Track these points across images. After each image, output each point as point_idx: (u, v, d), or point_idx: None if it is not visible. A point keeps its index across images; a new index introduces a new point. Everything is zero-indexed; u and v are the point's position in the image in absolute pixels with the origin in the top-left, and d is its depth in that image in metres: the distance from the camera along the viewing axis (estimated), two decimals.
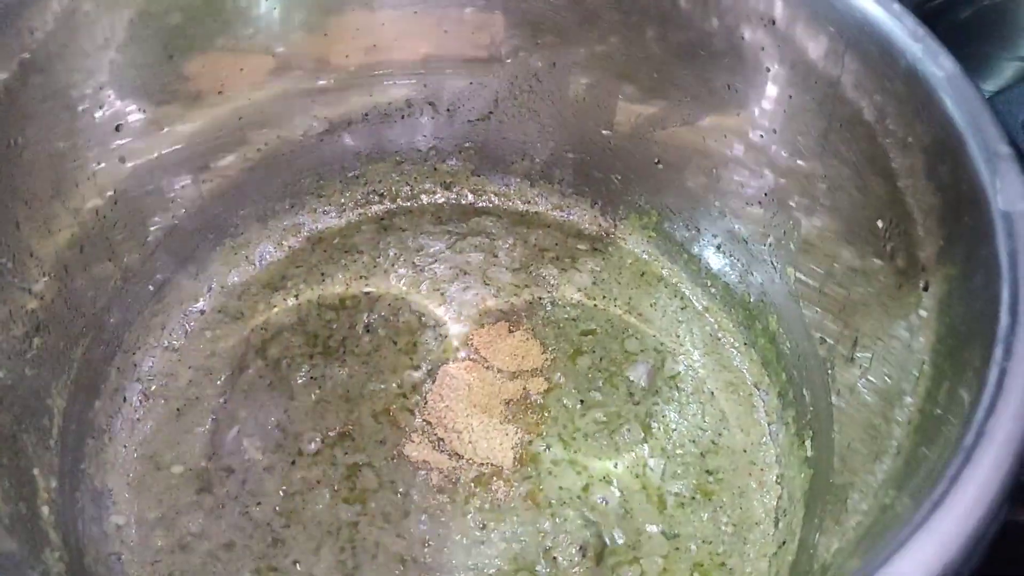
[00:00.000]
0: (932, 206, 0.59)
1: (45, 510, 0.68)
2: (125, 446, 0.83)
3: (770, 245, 0.86)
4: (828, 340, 0.77)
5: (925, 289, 0.60)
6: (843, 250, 0.72)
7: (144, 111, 0.81)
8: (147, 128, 0.82)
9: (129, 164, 0.82)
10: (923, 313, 0.60)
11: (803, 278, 0.81)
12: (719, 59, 0.79)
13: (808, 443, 0.81)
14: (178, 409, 0.86)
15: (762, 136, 0.81)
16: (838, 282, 0.75)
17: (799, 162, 0.77)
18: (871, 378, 0.67)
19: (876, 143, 0.65)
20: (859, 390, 0.69)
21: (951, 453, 0.44)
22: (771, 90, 0.77)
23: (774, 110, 0.78)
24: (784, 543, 0.77)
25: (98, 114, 0.77)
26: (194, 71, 0.83)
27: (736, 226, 0.90)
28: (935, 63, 0.59)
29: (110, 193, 0.81)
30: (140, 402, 0.86)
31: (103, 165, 0.79)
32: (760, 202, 0.85)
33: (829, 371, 0.76)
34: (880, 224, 0.66)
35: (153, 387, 0.87)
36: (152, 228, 0.87)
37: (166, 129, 0.84)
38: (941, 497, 0.43)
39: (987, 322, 0.50)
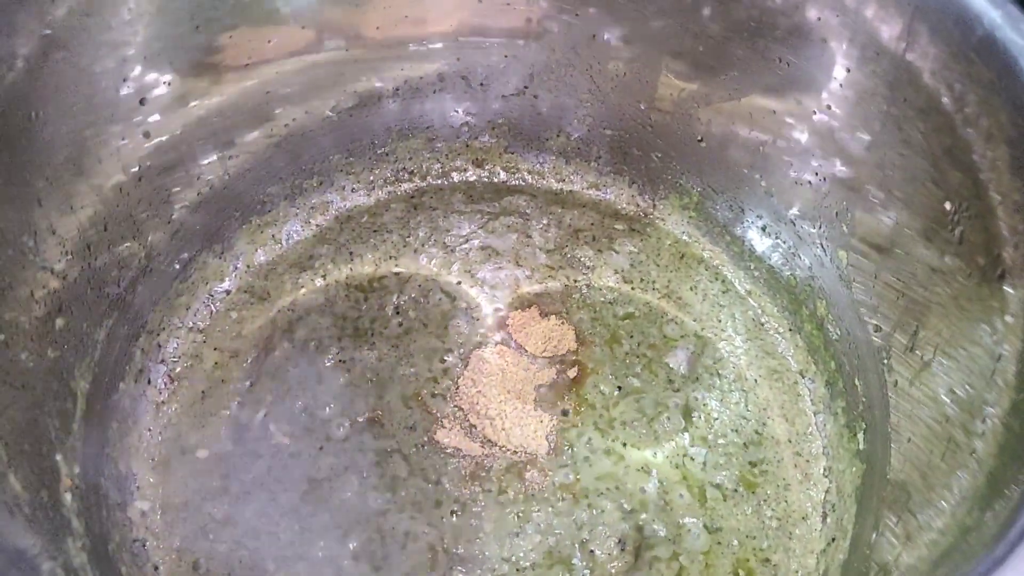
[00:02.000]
0: (1018, 203, 0.55)
1: (68, 497, 0.66)
2: (149, 430, 0.81)
3: (821, 227, 0.82)
4: (884, 328, 0.73)
5: (1001, 278, 0.55)
6: (911, 242, 0.68)
7: (169, 85, 0.78)
8: (172, 103, 0.79)
9: (153, 140, 0.79)
10: (1008, 319, 0.56)
11: (858, 262, 0.77)
12: (775, 33, 0.75)
13: (860, 436, 0.77)
14: (203, 392, 0.83)
15: (816, 113, 0.77)
16: (902, 273, 0.70)
17: (860, 144, 0.73)
18: (944, 383, 0.63)
19: (953, 131, 0.60)
20: (927, 391, 0.65)
21: None
22: (828, 65, 0.73)
23: (832, 87, 0.74)
24: (834, 540, 0.74)
25: (122, 89, 0.74)
26: (221, 44, 0.81)
27: (783, 207, 0.86)
28: (1016, 30, 0.55)
29: (134, 169, 0.78)
30: (165, 384, 0.84)
31: (127, 141, 0.77)
32: (811, 182, 0.81)
33: (885, 361, 0.73)
34: (948, 206, 0.61)
35: (178, 369, 0.85)
36: (177, 205, 0.85)
37: (191, 104, 0.81)
38: None
39: None
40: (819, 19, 0.71)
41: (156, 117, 0.78)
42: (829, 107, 0.75)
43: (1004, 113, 0.56)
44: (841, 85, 0.73)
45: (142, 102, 0.76)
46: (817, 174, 0.80)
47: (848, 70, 0.72)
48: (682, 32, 0.82)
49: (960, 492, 0.55)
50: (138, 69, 0.74)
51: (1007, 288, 0.56)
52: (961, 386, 0.61)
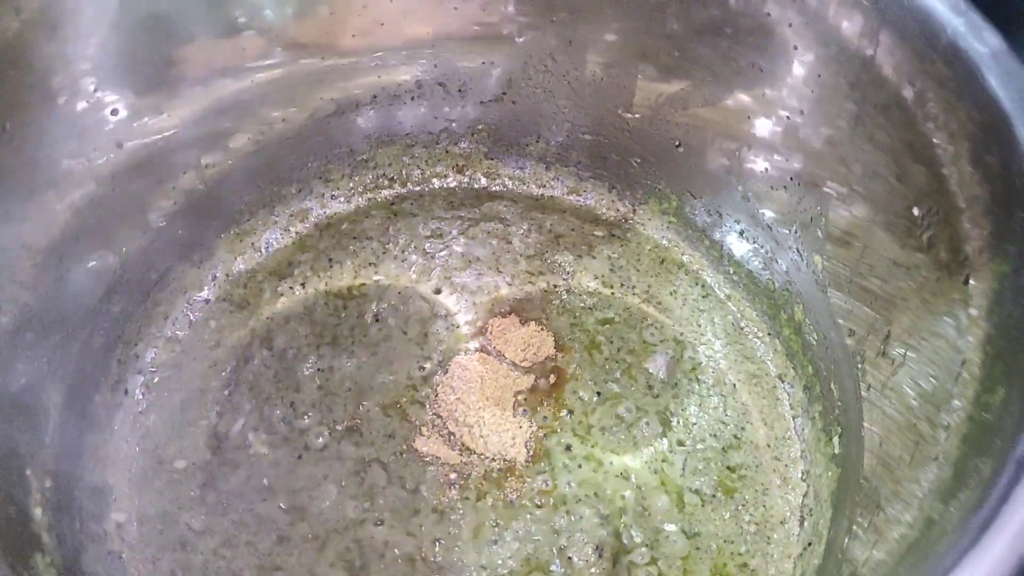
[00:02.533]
0: (978, 197, 0.55)
1: (38, 512, 0.65)
2: (127, 441, 0.81)
3: (796, 231, 0.82)
4: (858, 332, 0.73)
5: (965, 283, 0.56)
6: (877, 239, 0.68)
7: (143, 95, 0.78)
8: (146, 112, 0.79)
9: (127, 150, 0.79)
10: (972, 312, 0.56)
11: (831, 266, 0.77)
12: (744, 37, 0.75)
13: (836, 440, 0.77)
14: (181, 402, 0.83)
15: (789, 118, 0.77)
16: (870, 272, 0.71)
17: (830, 146, 0.73)
18: (911, 377, 0.63)
19: (915, 128, 0.60)
20: (895, 387, 0.65)
21: (1003, 464, 0.40)
22: (799, 70, 0.73)
23: (803, 91, 0.74)
24: (810, 544, 0.74)
25: (88, 102, 0.74)
26: (193, 53, 0.80)
27: (760, 211, 0.86)
28: (979, 39, 0.55)
29: (107, 180, 0.78)
30: (142, 395, 0.84)
31: (97, 152, 0.76)
32: (786, 186, 0.81)
33: (859, 364, 0.73)
34: (916, 212, 0.62)
35: (156, 379, 0.85)
36: (153, 215, 0.84)
37: (165, 113, 0.81)
38: (992, 514, 0.39)
39: None
40: (779, 18, 0.71)
41: (130, 127, 0.78)
42: (802, 112, 0.75)
43: (963, 111, 0.56)
44: (812, 91, 0.73)
45: (114, 112, 0.76)
46: (792, 178, 0.80)
47: (819, 75, 0.72)
48: (648, 35, 0.82)
49: (927, 485, 0.56)
50: (107, 78, 0.74)
51: (971, 281, 0.56)
52: (926, 379, 0.61)
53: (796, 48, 0.72)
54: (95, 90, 0.73)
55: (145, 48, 0.76)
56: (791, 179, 0.80)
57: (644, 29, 0.82)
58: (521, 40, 0.90)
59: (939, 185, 0.59)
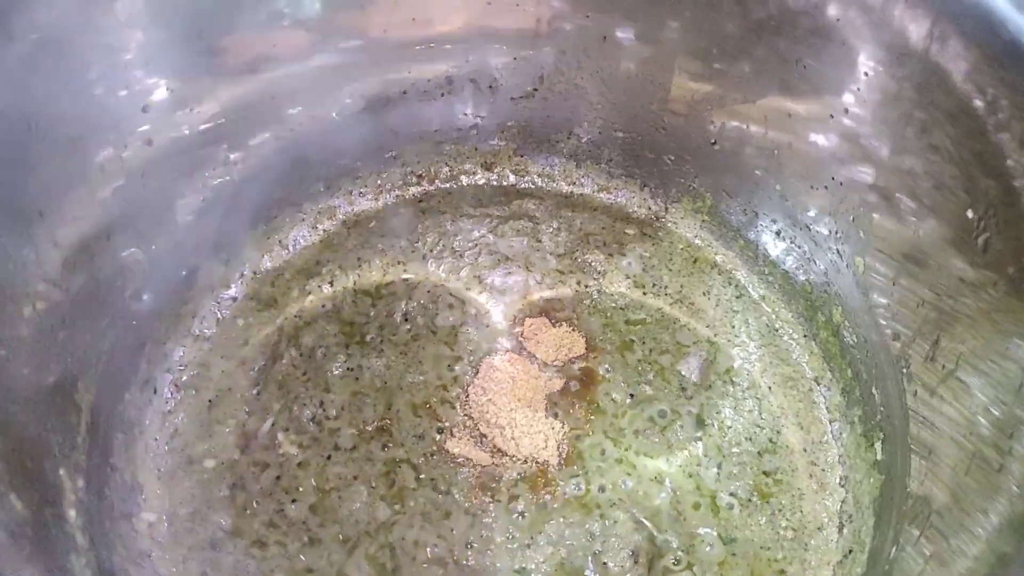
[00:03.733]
0: None
1: (72, 513, 0.65)
2: (156, 439, 0.80)
3: (835, 231, 0.80)
4: (903, 336, 0.72)
5: None
6: (933, 247, 0.66)
7: (171, 91, 0.77)
8: (174, 108, 0.78)
9: (156, 146, 0.78)
10: None
11: (875, 268, 0.76)
12: (797, 34, 0.74)
13: (878, 446, 0.76)
14: (210, 401, 0.82)
15: (832, 116, 0.75)
16: (923, 279, 0.68)
17: (879, 147, 0.71)
18: (971, 396, 0.61)
19: (984, 136, 0.58)
20: (947, 399, 0.63)
21: None
22: (849, 68, 0.71)
23: (852, 90, 0.72)
24: (851, 552, 0.73)
25: (122, 94, 0.73)
26: (224, 48, 0.80)
27: (797, 211, 0.85)
28: None
29: (137, 176, 0.77)
30: (171, 393, 0.83)
31: (128, 147, 0.76)
32: (827, 186, 0.80)
33: (904, 370, 0.71)
34: (971, 214, 0.60)
35: (184, 378, 0.84)
36: (181, 212, 0.84)
37: (194, 109, 0.80)
38: None
39: None
40: (838, 20, 0.69)
41: (158, 123, 0.77)
42: (846, 110, 0.74)
43: None
44: (860, 88, 0.71)
45: (144, 109, 0.75)
46: (833, 178, 0.79)
47: (866, 73, 0.70)
48: (697, 32, 0.80)
49: (997, 517, 0.53)
50: (138, 74, 0.74)
51: None
52: (992, 402, 0.59)
53: (845, 43, 0.70)
54: (132, 82, 0.73)
55: (182, 40, 0.75)
56: (833, 179, 0.79)
57: (691, 25, 0.81)
58: (554, 35, 0.88)
59: (1009, 197, 0.56)
